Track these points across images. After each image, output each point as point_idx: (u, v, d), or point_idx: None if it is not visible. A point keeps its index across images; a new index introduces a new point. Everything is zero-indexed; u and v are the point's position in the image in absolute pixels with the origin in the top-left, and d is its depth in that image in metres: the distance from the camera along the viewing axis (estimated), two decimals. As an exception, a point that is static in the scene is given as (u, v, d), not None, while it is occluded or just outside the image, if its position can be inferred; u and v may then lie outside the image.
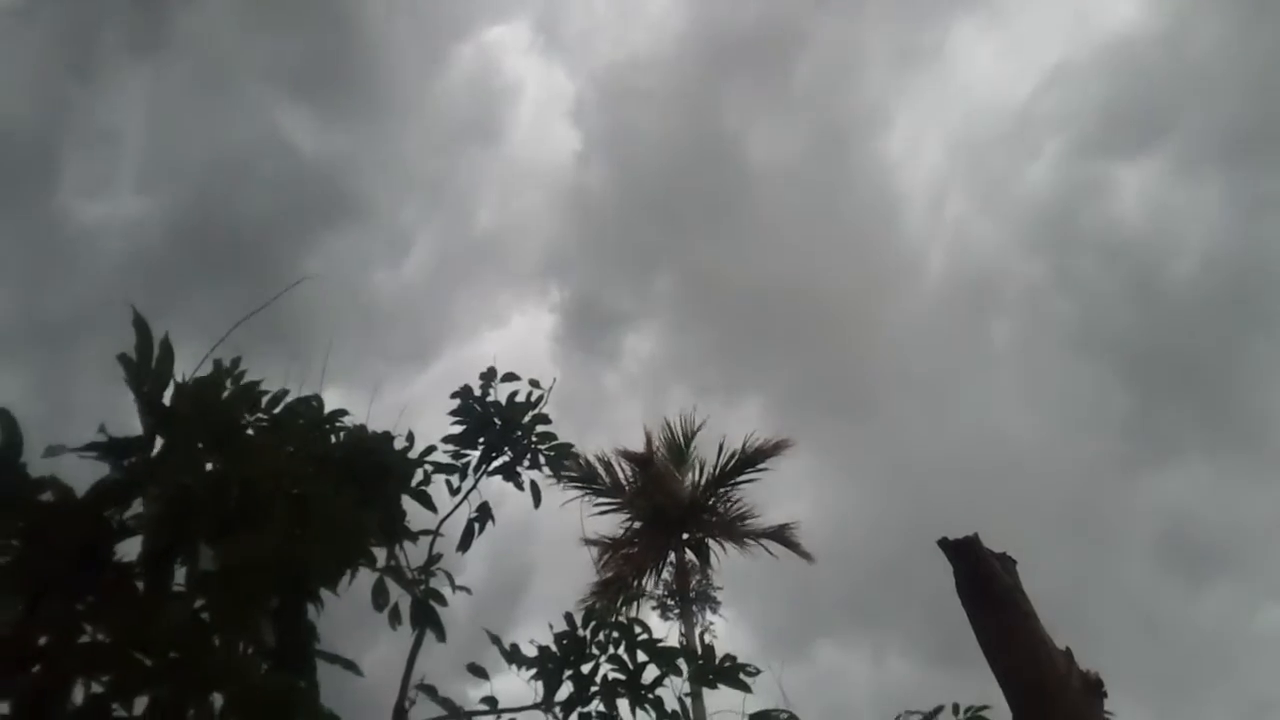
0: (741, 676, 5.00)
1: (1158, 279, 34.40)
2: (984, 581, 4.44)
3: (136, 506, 2.60)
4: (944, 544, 4.56)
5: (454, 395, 5.71)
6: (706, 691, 5.41)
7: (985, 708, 6.09)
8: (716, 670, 5.05)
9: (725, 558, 21.24)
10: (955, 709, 6.17)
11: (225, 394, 3.00)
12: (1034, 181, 39.07)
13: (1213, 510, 32.49)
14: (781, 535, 21.19)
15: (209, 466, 2.97)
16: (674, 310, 36.63)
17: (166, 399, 2.81)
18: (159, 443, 2.72)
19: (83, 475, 2.59)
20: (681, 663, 5.06)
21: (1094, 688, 4.33)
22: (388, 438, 4.92)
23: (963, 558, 4.52)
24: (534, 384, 5.75)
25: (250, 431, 3.43)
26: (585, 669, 5.17)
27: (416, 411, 5.17)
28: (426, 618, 4.76)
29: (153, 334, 2.78)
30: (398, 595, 4.91)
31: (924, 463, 30.28)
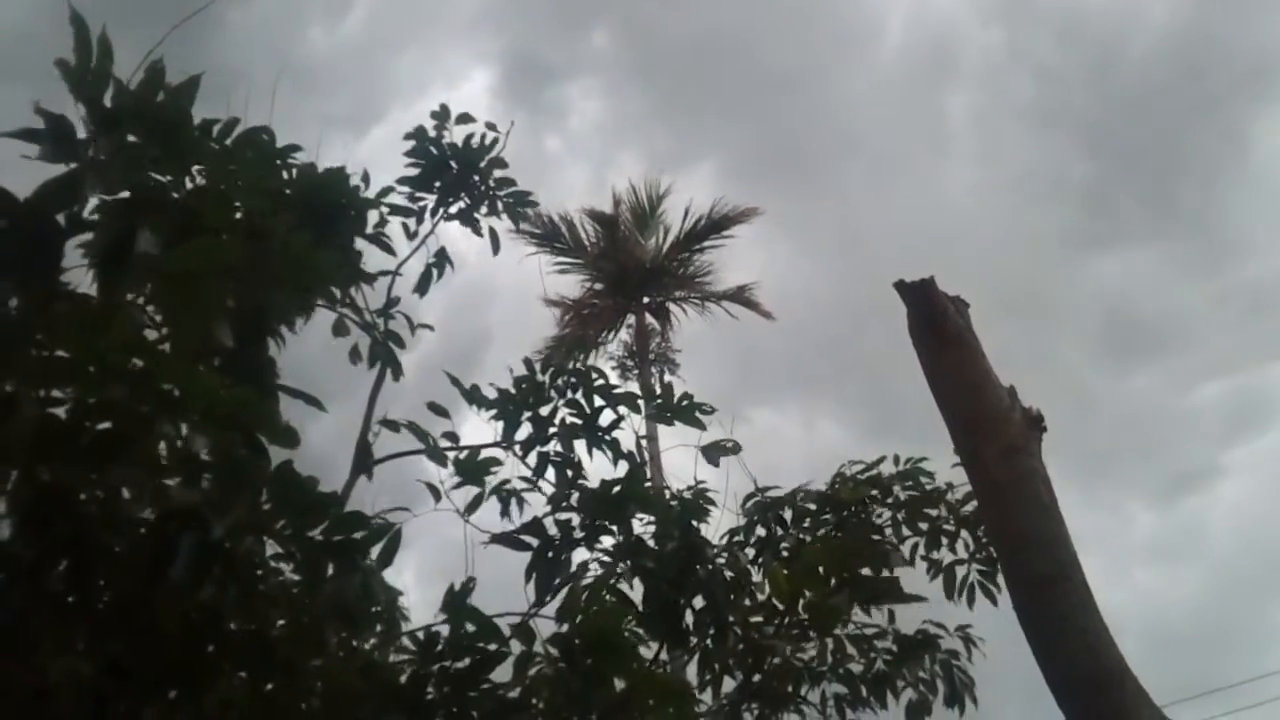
0: (697, 415, 5.17)
1: (1115, 59, 33.40)
2: (937, 321, 4.49)
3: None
4: (900, 285, 4.58)
5: (408, 136, 5.51)
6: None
7: (923, 459, 6.34)
8: (674, 409, 5.20)
9: (685, 320, 21.61)
10: (896, 459, 6.43)
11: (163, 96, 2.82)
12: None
13: (1154, 295, 33.12)
14: (741, 296, 21.47)
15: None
16: (616, 71, 34.94)
17: (107, 101, 2.65)
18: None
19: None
20: (640, 402, 5.18)
21: (1035, 422, 4.47)
22: (342, 174, 4.77)
23: (918, 299, 4.54)
24: (490, 126, 5.57)
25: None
26: (544, 411, 5.27)
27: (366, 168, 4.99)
28: (385, 356, 4.80)
29: (90, 34, 2.59)
30: (357, 337, 4.93)
31: (874, 234, 30.23)
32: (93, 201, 2.58)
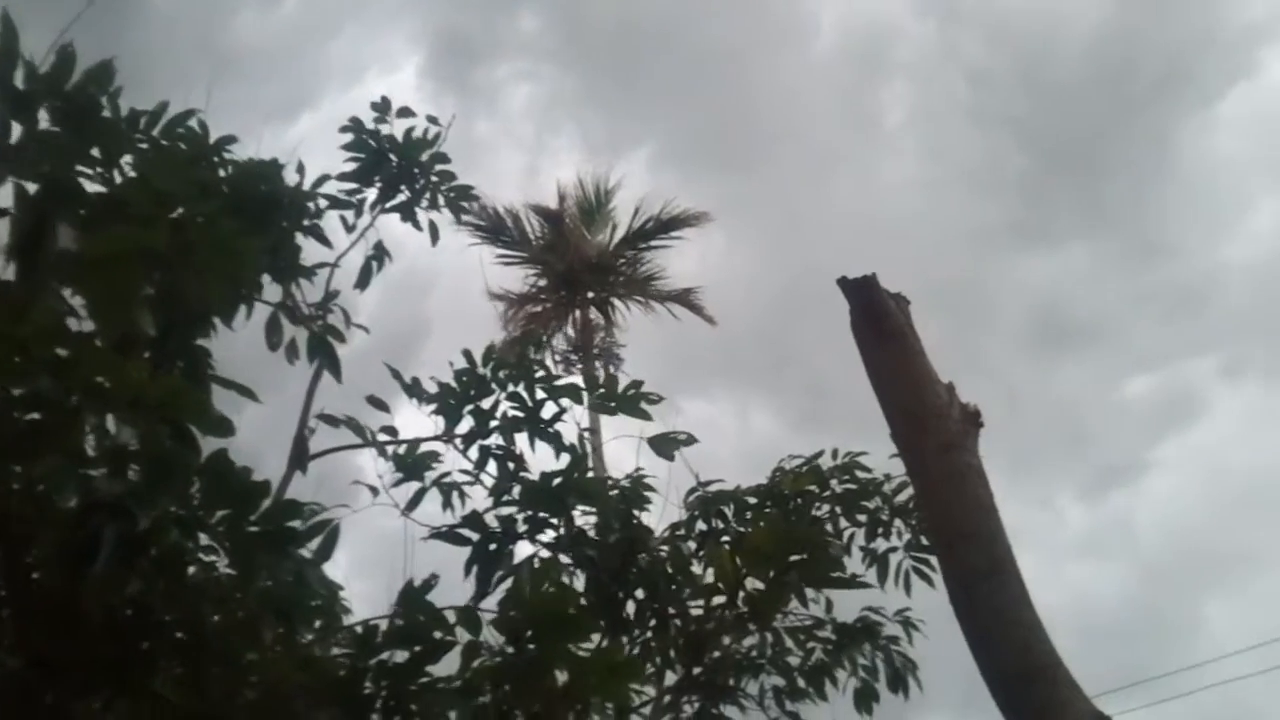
0: (643, 405, 5.13)
1: (1042, 60, 33.95)
2: (878, 317, 4.53)
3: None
4: (842, 282, 4.61)
5: (344, 129, 5.43)
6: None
7: (863, 453, 6.41)
8: (618, 398, 5.16)
9: (629, 317, 21.61)
10: (834, 453, 6.49)
11: (75, 79, 2.76)
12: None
13: (1083, 291, 33.57)
14: (685, 299, 21.52)
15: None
16: (547, 56, 34.47)
17: (18, 82, 2.59)
18: (16, 130, 2.53)
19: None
20: (584, 393, 5.17)
21: (972, 418, 4.52)
22: (276, 166, 4.70)
23: (860, 295, 4.58)
24: (432, 120, 5.52)
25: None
26: (485, 404, 5.25)
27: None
28: (323, 352, 4.73)
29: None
30: (294, 332, 4.85)
31: (808, 225, 30.22)
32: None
